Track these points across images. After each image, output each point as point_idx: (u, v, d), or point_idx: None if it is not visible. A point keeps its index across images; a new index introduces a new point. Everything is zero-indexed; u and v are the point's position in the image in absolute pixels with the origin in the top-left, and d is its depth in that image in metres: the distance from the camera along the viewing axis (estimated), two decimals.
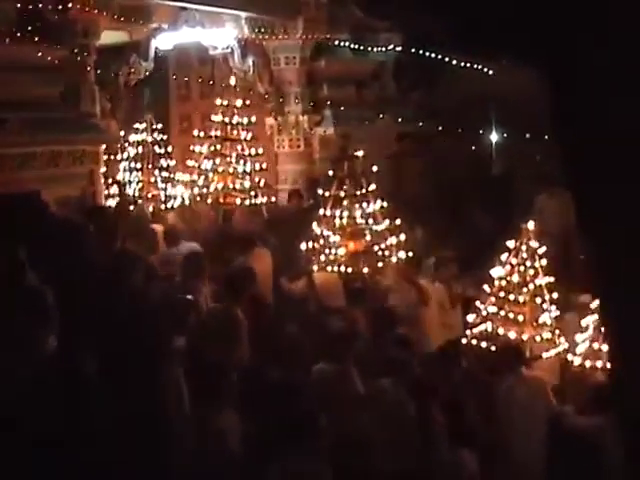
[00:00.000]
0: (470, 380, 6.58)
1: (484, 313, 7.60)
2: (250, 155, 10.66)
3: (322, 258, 8.98)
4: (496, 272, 7.70)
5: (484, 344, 7.42)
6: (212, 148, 10.66)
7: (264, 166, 10.93)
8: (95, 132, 9.96)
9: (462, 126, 12.02)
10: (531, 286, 7.54)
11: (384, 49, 12.34)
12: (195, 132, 11.10)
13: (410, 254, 8.87)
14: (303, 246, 9.00)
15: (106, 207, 9.72)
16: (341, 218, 9.25)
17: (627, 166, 1.95)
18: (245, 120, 10.73)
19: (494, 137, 12.98)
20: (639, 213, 2.01)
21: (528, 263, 7.56)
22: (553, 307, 7.56)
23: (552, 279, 7.58)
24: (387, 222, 9.23)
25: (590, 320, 7.15)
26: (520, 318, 7.46)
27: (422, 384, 5.66)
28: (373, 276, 8.90)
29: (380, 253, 9.05)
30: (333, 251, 9.06)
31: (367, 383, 5.95)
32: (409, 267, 8.69)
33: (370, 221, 9.29)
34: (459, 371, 6.58)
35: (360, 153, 9.53)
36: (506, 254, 7.66)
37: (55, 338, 5.25)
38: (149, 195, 10.74)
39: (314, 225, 9.15)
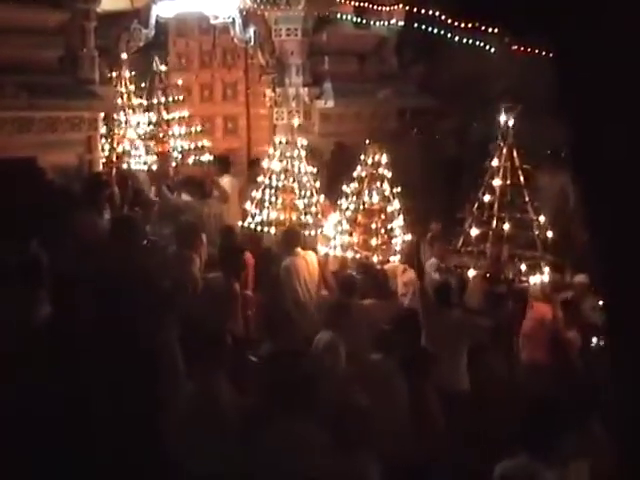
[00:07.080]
0: None
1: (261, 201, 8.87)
2: (139, 123, 11.33)
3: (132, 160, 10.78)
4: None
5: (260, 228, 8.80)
6: None
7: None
8: (94, 99, 9.88)
9: (462, 103, 11.91)
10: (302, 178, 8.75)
11: (386, 23, 12.20)
12: None
13: (212, 158, 10.69)
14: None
15: (104, 174, 9.67)
16: (148, 124, 11.13)
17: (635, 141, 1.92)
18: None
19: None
20: None
21: (288, 153, 8.89)
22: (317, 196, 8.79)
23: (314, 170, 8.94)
24: (185, 128, 11.12)
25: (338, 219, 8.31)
26: (279, 202, 8.83)
27: (416, 360, 5.66)
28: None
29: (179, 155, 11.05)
30: (143, 152, 10.86)
31: (360, 358, 5.99)
32: (212, 170, 10.33)
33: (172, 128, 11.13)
34: None
35: (163, 68, 11.55)
36: None
37: (50, 302, 5.26)
38: None
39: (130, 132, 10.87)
